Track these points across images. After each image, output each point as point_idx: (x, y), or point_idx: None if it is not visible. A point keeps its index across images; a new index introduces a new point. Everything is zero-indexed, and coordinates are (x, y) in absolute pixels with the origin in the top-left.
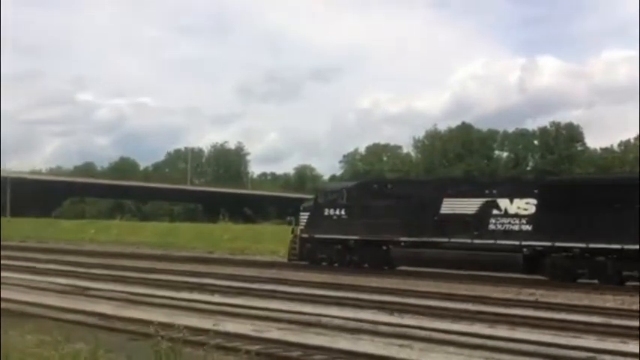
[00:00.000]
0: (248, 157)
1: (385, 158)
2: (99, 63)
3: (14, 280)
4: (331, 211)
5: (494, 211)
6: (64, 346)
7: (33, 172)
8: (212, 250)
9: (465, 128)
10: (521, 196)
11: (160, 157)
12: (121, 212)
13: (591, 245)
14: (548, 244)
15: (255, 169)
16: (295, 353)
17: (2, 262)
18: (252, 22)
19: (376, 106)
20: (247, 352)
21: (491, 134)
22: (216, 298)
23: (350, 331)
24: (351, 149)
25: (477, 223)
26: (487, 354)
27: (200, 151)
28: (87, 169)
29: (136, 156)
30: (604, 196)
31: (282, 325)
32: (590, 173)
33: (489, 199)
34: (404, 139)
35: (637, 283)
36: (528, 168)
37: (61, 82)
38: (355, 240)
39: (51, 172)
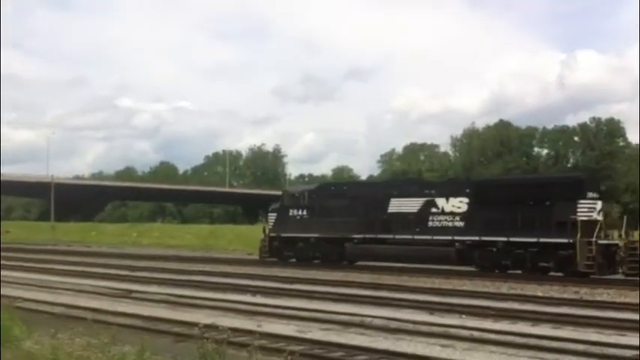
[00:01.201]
0: (285, 159)
1: (422, 157)
2: (138, 69)
3: (62, 285)
4: (295, 212)
5: (433, 210)
6: (110, 348)
7: (76, 178)
8: (252, 251)
9: (504, 125)
10: (455, 195)
11: (199, 160)
12: (162, 215)
13: (512, 239)
14: (477, 238)
15: (292, 171)
16: (337, 354)
17: (49, 266)
18: (287, 24)
19: (413, 105)
20: (291, 352)
21: (531, 131)
22: (258, 299)
23: (391, 331)
24: (388, 149)
25: (418, 220)
26: (531, 353)
27: (238, 153)
28: (128, 173)
29: (175, 160)
30: (522, 195)
31: (323, 326)
32: (518, 173)
33: (429, 198)
34: (441, 138)
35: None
36: (569, 165)
37: (103, 89)
38: (315, 238)
39: (93, 177)
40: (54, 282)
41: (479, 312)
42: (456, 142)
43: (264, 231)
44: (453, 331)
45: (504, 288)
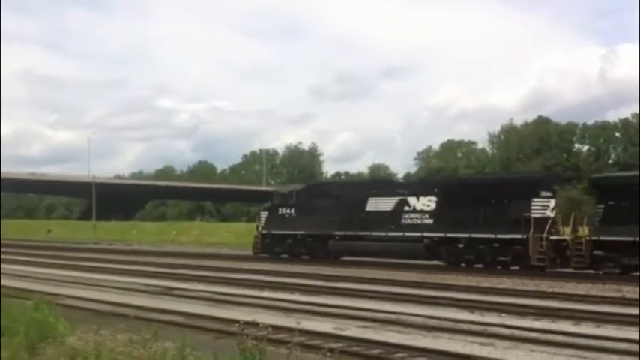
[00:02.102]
0: (321, 158)
1: (460, 155)
2: (176, 69)
3: (104, 282)
4: (284, 211)
5: (406, 208)
6: (152, 344)
7: (117, 177)
8: None
9: (543, 122)
10: (425, 194)
11: (236, 159)
12: (200, 214)
13: (474, 235)
14: (443, 235)
15: (328, 169)
16: (376, 351)
17: (92, 264)
18: (322, 23)
19: (449, 102)
20: (330, 350)
21: (571, 127)
22: (296, 296)
23: (430, 329)
24: (424, 147)
25: (392, 218)
26: (572, 351)
27: (275, 152)
28: (167, 172)
29: (213, 159)
30: (484, 194)
31: (361, 323)
32: (480, 174)
33: (402, 197)
34: (478, 135)
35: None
36: (610, 161)
37: (142, 89)
38: (302, 235)
39: (133, 176)
40: (96, 279)
41: (519, 310)
42: (493, 139)
43: (257, 229)
44: (492, 329)
45: (543, 286)
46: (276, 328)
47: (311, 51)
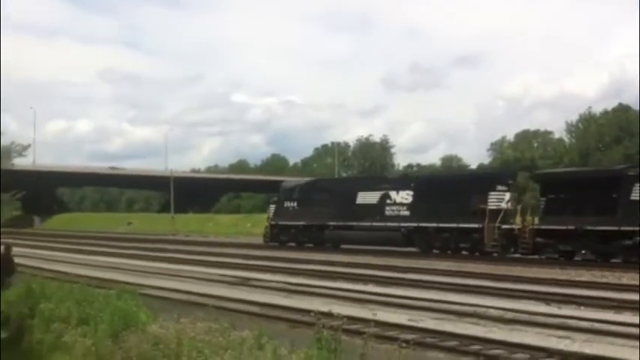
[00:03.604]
0: (393, 150)
1: (536, 145)
2: (250, 64)
3: (184, 273)
4: (289, 204)
5: (388, 201)
6: (230, 333)
7: (193, 171)
8: None
9: (623, 109)
10: (404, 189)
11: (309, 152)
12: None
13: (440, 225)
14: (416, 224)
15: (400, 161)
16: (451, 343)
17: (172, 255)
18: (393, 13)
19: (525, 91)
20: (405, 341)
21: None
22: (370, 288)
23: (506, 322)
24: (498, 137)
25: (377, 210)
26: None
27: (346, 145)
28: (241, 166)
29: (285, 152)
30: (450, 189)
31: (436, 315)
32: (450, 171)
33: (385, 191)
34: (555, 125)
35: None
36: None
37: (217, 85)
38: (303, 225)
39: (209, 170)
40: (175, 270)
41: (599, 303)
42: (571, 128)
43: (267, 220)
44: (571, 322)
45: (625, 279)
46: (351, 319)
47: (382, 42)
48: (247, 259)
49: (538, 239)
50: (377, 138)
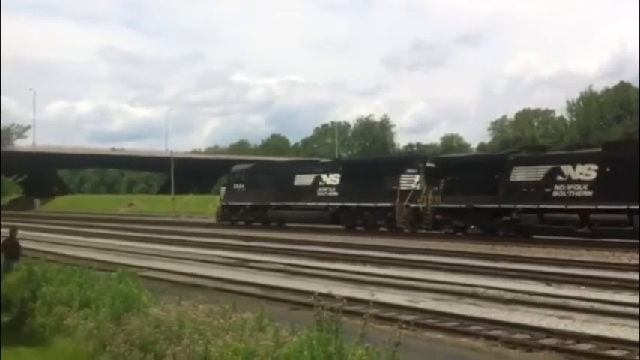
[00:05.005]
0: (393, 129)
1: (536, 124)
2: (250, 43)
3: (184, 254)
4: (237, 186)
5: (320, 183)
6: (231, 314)
7: (194, 152)
8: None
9: (624, 87)
10: (333, 172)
11: (309, 132)
12: None
13: (361, 204)
14: (341, 204)
15: (401, 141)
16: (451, 323)
17: (176, 237)
18: None
19: (526, 69)
20: (405, 322)
21: None
22: (368, 269)
23: (505, 302)
24: (499, 116)
25: (311, 191)
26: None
27: (346, 125)
28: (241, 146)
29: (286, 133)
30: (370, 171)
31: (435, 296)
32: (371, 156)
33: (318, 174)
34: (556, 103)
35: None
36: None
37: (217, 65)
38: (249, 205)
39: (209, 151)
40: (176, 252)
41: (599, 283)
42: (572, 107)
43: (220, 200)
44: (571, 302)
45: (625, 258)
46: (350, 300)
47: (384, 21)
48: (248, 241)
49: (437, 216)
50: (378, 118)
